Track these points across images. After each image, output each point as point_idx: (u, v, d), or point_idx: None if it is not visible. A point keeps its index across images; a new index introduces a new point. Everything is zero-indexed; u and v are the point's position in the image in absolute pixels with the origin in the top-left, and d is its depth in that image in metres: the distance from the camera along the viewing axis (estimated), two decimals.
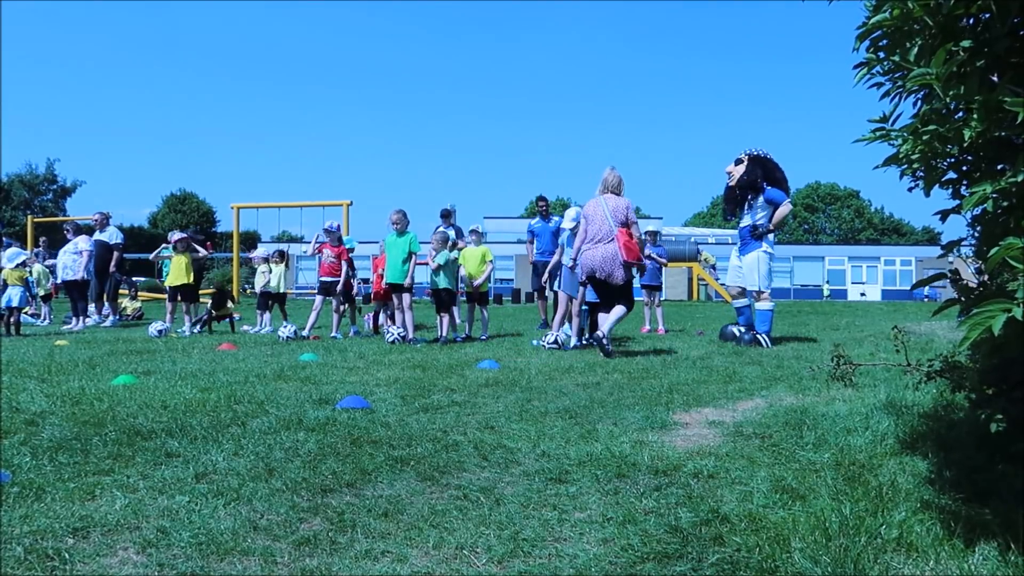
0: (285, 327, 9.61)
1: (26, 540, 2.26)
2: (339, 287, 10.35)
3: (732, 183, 8.53)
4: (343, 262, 10.36)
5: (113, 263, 12.78)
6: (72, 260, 12.22)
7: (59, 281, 12.93)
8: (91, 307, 12.55)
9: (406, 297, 9.26)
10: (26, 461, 3.15)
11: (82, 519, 2.46)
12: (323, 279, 10.38)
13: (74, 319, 12.03)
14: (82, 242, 12.35)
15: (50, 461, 3.16)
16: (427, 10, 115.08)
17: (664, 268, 12.04)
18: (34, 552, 2.17)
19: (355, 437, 3.63)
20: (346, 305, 10.67)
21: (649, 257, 11.45)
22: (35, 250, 17.85)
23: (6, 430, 3.77)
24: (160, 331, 10.02)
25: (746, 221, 8.46)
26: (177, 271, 11.01)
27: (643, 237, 9.36)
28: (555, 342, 8.12)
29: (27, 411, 4.27)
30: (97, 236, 12.82)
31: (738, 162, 8.54)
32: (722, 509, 2.54)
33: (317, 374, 5.95)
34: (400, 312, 9.34)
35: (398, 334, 9.02)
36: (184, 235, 11.43)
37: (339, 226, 10.62)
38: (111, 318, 12.72)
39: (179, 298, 11.03)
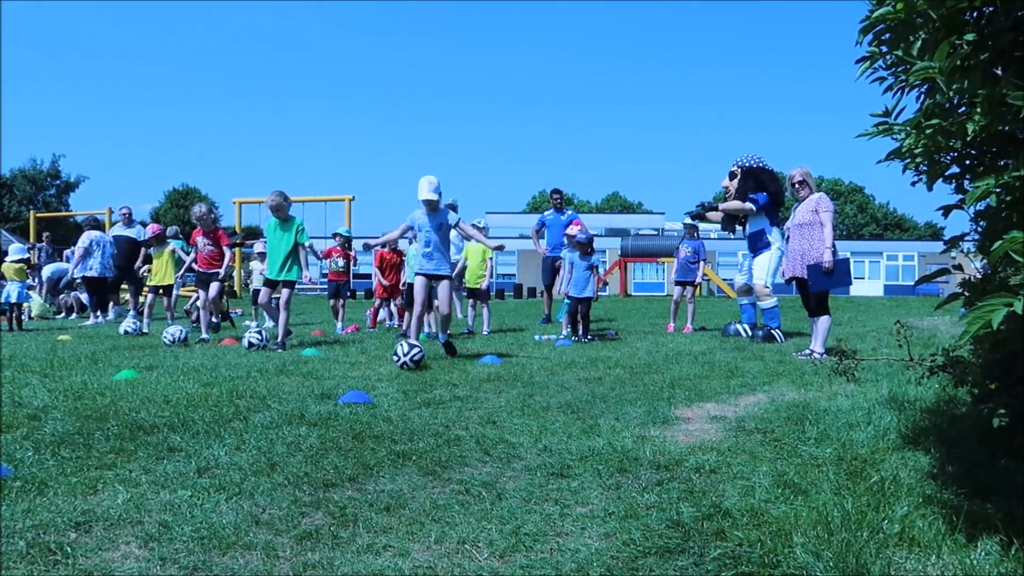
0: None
1: (28, 534, 2.27)
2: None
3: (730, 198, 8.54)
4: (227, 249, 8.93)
5: (140, 259, 12.71)
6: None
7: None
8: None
9: (285, 292, 7.97)
10: (28, 456, 3.16)
11: (84, 513, 2.46)
12: (200, 270, 8.89)
13: (93, 314, 12.03)
14: (81, 239, 12.30)
15: (52, 456, 3.17)
16: (429, 5, 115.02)
17: (701, 264, 10.39)
18: (36, 546, 2.18)
19: (357, 432, 3.63)
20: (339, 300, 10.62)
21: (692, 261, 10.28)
22: (38, 245, 17.89)
23: (8, 425, 3.78)
24: (129, 330, 9.37)
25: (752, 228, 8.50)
26: (161, 269, 10.14)
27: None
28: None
29: (29, 406, 4.28)
30: (124, 232, 12.61)
31: (732, 176, 8.52)
32: (724, 504, 2.54)
33: (319, 369, 5.95)
34: (281, 311, 7.89)
35: (259, 338, 7.56)
36: (159, 227, 10.38)
37: (205, 211, 8.90)
38: (112, 310, 12.73)
39: (161, 293, 10.36)
